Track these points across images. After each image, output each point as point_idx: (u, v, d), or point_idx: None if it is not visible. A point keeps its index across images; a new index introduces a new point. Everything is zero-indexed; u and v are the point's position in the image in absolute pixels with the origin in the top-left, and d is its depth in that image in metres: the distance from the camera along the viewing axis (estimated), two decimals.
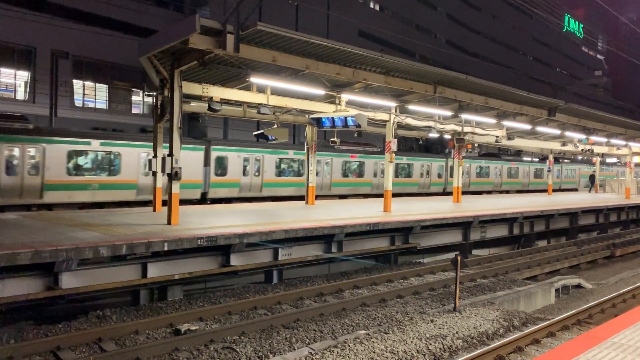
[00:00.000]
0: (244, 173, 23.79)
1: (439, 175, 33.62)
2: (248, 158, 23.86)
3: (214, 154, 22.67)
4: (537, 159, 44.26)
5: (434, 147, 37.52)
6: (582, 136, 26.46)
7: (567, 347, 5.98)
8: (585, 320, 10.64)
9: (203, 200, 22.12)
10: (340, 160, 27.86)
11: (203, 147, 22.24)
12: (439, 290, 12.71)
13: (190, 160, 20.86)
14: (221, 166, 22.99)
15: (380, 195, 26.96)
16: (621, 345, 5.86)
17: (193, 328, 9.01)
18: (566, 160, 46.44)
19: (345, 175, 28.19)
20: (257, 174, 24.20)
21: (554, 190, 41.19)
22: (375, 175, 29.31)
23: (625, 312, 8.05)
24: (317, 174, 24.92)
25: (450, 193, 31.96)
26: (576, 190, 45.69)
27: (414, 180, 32.20)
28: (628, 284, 15.25)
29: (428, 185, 32.91)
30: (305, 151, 19.71)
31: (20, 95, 26.42)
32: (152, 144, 15.84)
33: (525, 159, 43.00)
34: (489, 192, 37.02)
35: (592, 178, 39.56)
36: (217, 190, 22.73)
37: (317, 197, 25.07)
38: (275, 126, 17.55)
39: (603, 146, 30.50)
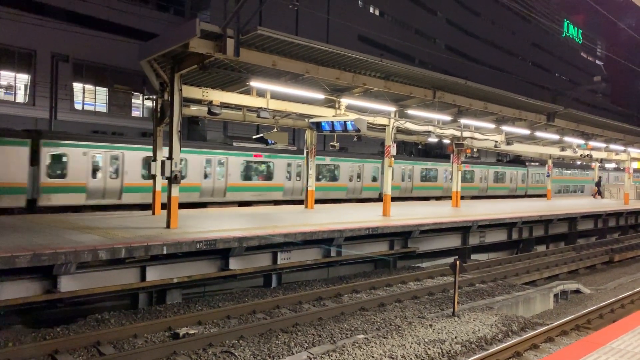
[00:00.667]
0: (94, 175, 19.51)
1: (374, 179, 29.09)
2: (98, 155, 19.64)
3: (46, 151, 18.48)
4: (501, 160, 41.69)
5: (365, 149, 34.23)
6: (581, 141, 26.52)
7: (565, 352, 5.99)
8: (583, 326, 10.64)
9: (30, 209, 18.13)
10: (240, 160, 23.29)
11: (27, 141, 18.04)
12: (437, 295, 12.70)
13: (4, 158, 17.47)
14: (58, 166, 18.77)
15: (293, 202, 24.00)
16: (619, 351, 5.86)
17: (192, 332, 9.00)
18: (534, 163, 42.42)
19: (247, 178, 23.76)
20: (114, 175, 19.98)
21: (512, 197, 39.25)
22: (289, 178, 25.03)
23: (623, 318, 8.06)
24: (205, 176, 22.14)
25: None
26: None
27: (340, 184, 27.53)
28: (627, 290, 15.24)
29: (359, 190, 28.56)
30: (305, 155, 19.71)
31: (20, 98, 26.44)
32: None
33: (484, 160, 39.45)
34: (437, 199, 32.51)
35: (598, 183, 39.76)
36: (52, 196, 18.53)
37: (207, 204, 21.74)
38: (275, 130, 17.58)
39: (602, 151, 30.56)
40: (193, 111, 15.65)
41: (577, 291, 15.16)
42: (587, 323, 10.84)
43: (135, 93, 30.87)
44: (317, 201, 24.98)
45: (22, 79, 26.50)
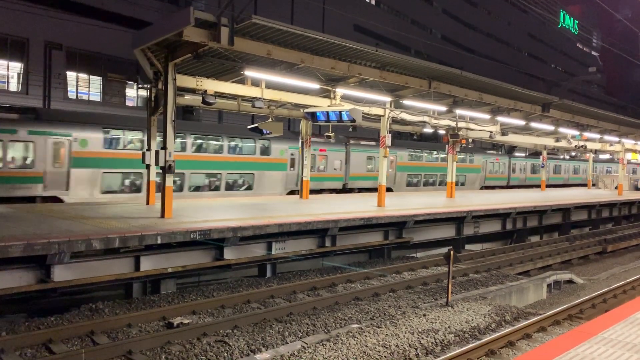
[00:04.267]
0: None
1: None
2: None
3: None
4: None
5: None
6: (576, 132, 26.58)
7: (557, 342, 6.02)
8: (576, 315, 10.72)
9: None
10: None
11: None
12: (431, 285, 12.76)
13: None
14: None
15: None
16: (611, 341, 5.90)
17: (186, 321, 9.00)
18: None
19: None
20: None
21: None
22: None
23: (615, 308, 8.11)
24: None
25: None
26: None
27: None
28: (619, 280, 15.36)
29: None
30: (300, 145, 19.66)
31: (14, 86, 26.22)
32: None
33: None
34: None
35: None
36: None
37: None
38: (270, 120, 17.51)
39: (596, 142, 30.65)
40: (187, 100, 15.57)
41: (570, 281, 15.26)
42: (579, 313, 10.92)
43: (129, 82, 30.66)
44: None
45: (15, 67, 26.27)
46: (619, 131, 29.36)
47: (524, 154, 41.59)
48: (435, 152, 32.84)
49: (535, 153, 41.75)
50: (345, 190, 26.78)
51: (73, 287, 9.61)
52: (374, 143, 27.62)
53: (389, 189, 28.55)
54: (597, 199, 26.61)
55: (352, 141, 27.73)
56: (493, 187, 37.30)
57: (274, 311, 9.79)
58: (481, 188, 36.63)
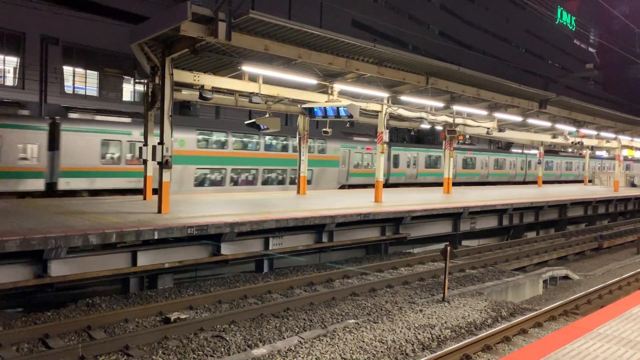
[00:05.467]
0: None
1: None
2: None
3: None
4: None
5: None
6: (573, 129, 26.64)
7: (553, 337, 6.05)
8: (572, 311, 10.76)
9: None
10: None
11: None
12: (428, 281, 12.79)
13: None
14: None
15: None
16: (606, 336, 5.94)
17: (183, 317, 9.01)
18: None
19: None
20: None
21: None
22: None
23: (611, 303, 8.15)
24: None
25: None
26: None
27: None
28: (615, 276, 15.42)
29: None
30: (298, 141, 19.64)
31: (10, 81, 26.10)
32: None
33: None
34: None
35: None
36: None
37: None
38: (267, 115, 17.49)
39: (593, 139, 30.72)
40: (184, 95, 15.52)
41: (566, 277, 15.32)
42: (575, 309, 10.97)
43: (126, 77, 30.55)
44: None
45: (11, 61, 26.15)
46: (616, 128, 29.45)
47: (411, 143, 33.62)
48: (258, 137, 23.13)
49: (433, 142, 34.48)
50: (52, 192, 17.57)
51: (70, 282, 9.60)
52: (127, 119, 18.90)
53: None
54: (593, 195, 26.69)
55: (71, 114, 18.49)
56: (364, 186, 26.98)
57: (271, 306, 9.80)
58: (342, 187, 26.89)
